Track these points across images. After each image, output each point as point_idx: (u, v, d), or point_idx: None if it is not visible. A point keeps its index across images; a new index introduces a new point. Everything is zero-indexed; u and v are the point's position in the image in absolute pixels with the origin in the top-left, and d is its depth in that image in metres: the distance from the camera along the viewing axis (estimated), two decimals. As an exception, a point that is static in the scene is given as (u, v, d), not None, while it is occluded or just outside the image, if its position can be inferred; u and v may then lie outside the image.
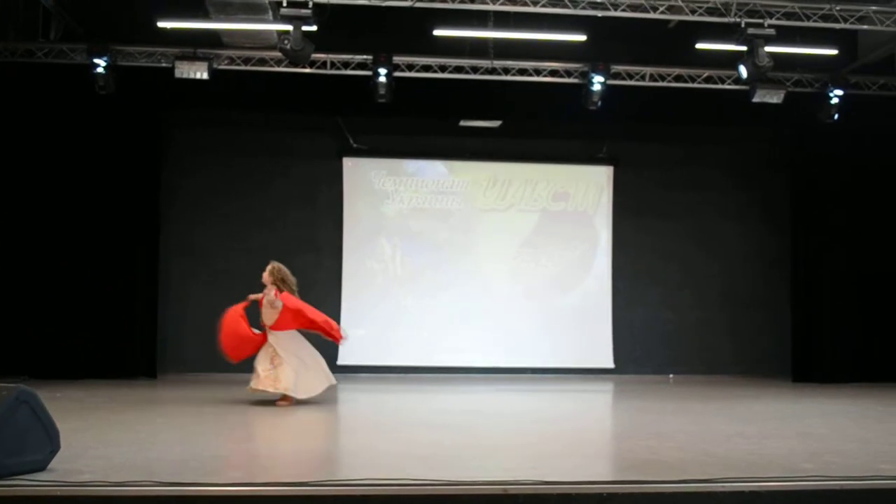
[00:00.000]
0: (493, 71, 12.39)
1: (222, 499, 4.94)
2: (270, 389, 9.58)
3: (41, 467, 5.30)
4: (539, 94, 12.78)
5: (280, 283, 9.81)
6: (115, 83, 11.92)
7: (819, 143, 13.63)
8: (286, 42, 10.34)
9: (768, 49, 10.57)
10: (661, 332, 14.28)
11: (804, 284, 13.80)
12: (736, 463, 5.91)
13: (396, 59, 12.11)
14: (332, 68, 12.26)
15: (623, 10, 10.50)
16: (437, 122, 14.07)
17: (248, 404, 9.57)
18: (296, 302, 9.78)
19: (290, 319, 9.75)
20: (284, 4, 10.21)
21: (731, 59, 11.35)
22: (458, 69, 12.37)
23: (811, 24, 10.69)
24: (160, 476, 5.16)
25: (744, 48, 10.75)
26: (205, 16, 10.97)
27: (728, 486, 5.14)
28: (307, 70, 12.07)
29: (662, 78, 12.62)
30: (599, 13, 10.51)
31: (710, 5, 10.54)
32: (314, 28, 10.39)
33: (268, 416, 8.91)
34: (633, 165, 14.53)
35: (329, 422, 9.02)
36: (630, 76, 12.60)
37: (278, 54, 11.35)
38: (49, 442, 5.41)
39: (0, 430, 5.04)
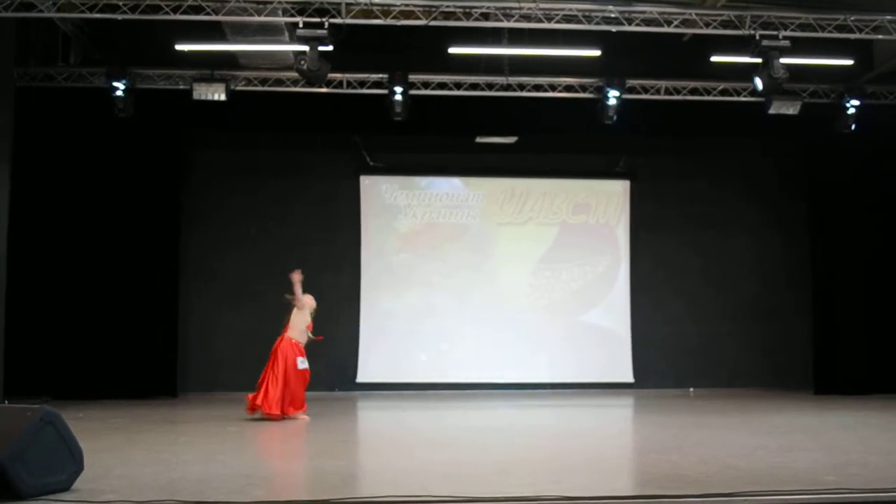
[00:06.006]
0: (508, 87, 12.43)
1: (245, 517, 4.96)
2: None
3: (65, 487, 5.34)
4: (555, 109, 12.80)
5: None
6: (133, 106, 12.03)
7: (836, 154, 13.58)
8: (303, 62, 10.42)
9: (783, 60, 10.56)
10: (680, 346, 14.21)
11: (825, 296, 13.72)
12: (759, 476, 5.87)
13: (412, 78, 12.17)
14: (348, 87, 12.34)
15: (637, 25, 10.53)
16: (454, 140, 14.12)
17: (269, 422, 9.60)
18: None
19: None
20: (300, 25, 10.30)
21: (747, 72, 11.32)
22: (474, 86, 12.41)
23: (826, 34, 10.66)
24: (183, 495, 5.19)
25: (759, 60, 10.74)
26: (222, 38, 11.10)
27: (751, 500, 5.12)
28: (323, 90, 12.16)
29: (678, 91, 12.61)
30: (614, 28, 10.54)
31: (724, 18, 10.54)
32: (330, 48, 10.48)
33: (289, 435, 8.94)
34: (650, 179, 14.53)
35: (349, 439, 9.03)
36: (645, 90, 12.61)
37: (295, 74, 11.42)
38: (73, 462, 5.45)
39: (25, 450, 5.09)
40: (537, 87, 12.51)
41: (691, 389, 14.10)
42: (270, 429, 9.24)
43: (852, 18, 10.54)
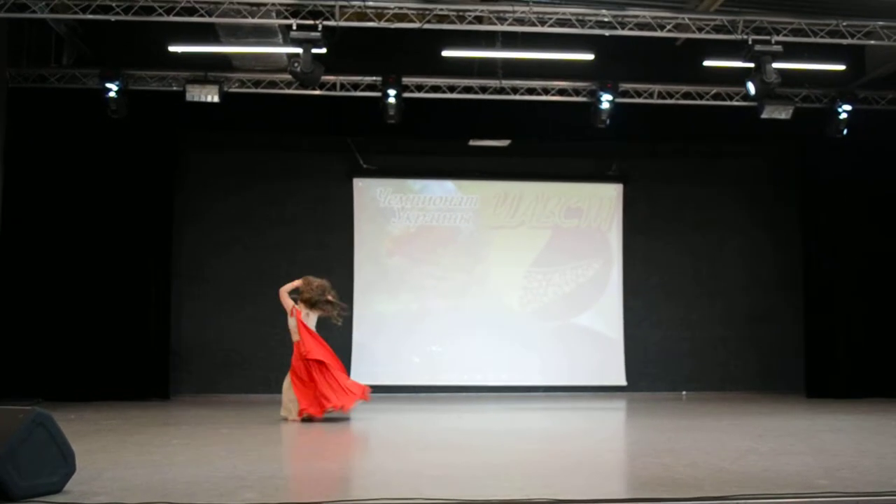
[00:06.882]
0: (501, 91, 12.46)
1: (237, 519, 4.96)
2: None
3: (57, 489, 5.32)
4: (548, 113, 12.83)
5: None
6: (127, 107, 12.02)
7: (828, 159, 13.64)
8: (296, 65, 10.44)
9: (776, 65, 10.61)
10: (673, 350, 14.24)
11: (817, 300, 13.77)
12: (751, 479, 5.88)
13: (405, 80, 12.19)
14: (341, 90, 12.35)
15: (630, 29, 10.58)
16: (447, 143, 14.13)
17: (261, 425, 9.59)
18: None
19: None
20: (294, 27, 10.31)
21: (739, 76, 11.37)
22: (467, 89, 12.44)
23: (818, 39, 10.72)
24: (175, 497, 5.18)
25: (751, 65, 10.79)
26: (215, 40, 11.10)
27: (743, 503, 5.12)
28: (317, 92, 12.15)
29: (671, 95, 12.66)
30: (607, 32, 10.58)
31: (717, 23, 10.60)
32: (324, 50, 10.49)
33: (281, 437, 8.93)
34: (642, 183, 14.55)
35: (342, 442, 9.02)
36: (638, 94, 12.65)
37: (288, 77, 11.44)
38: (65, 464, 5.43)
39: (17, 452, 5.07)
40: (530, 91, 12.54)
41: (684, 393, 14.13)
42: (263, 431, 9.23)
43: (844, 24, 10.60)
